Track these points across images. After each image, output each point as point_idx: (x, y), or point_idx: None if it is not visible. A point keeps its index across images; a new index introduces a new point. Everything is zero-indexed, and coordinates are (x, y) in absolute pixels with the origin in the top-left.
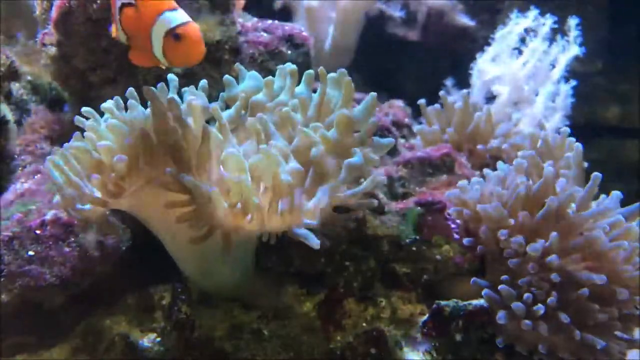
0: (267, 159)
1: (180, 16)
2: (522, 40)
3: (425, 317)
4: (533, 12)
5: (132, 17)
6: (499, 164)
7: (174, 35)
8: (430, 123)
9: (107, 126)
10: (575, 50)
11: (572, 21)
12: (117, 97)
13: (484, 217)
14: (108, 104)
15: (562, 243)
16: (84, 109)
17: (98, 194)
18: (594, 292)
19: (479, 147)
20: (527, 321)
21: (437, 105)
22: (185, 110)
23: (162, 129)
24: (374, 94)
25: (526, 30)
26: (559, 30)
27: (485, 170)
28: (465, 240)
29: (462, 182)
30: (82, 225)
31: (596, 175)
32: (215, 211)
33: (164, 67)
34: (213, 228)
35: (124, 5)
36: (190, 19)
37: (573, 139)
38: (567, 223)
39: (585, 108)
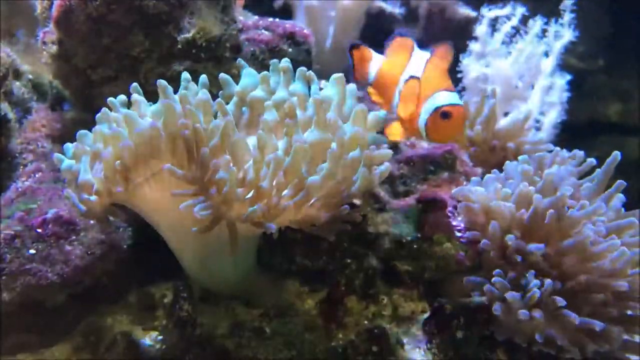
0: (294, 158)
1: (452, 98)
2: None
3: (426, 315)
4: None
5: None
6: (507, 164)
7: (442, 113)
8: None
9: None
10: (568, 35)
11: (567, 1)
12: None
13: (497, 213)
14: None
15: (556, 245)
16: (109, 100)
17: (102, 185)
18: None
19: (509, 144)
20: (523, 311)
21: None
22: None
23: (173, 123)
24: (384, 112)
25: (516, 29)
26: (554, 17)
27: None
28: (467, 234)
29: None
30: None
31: (620, 182)
32: (227, 198)
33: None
34: (220, 216)
35: (411, 77)
36: (461, 102)
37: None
38: (563, 224)
39: (586, 105)
